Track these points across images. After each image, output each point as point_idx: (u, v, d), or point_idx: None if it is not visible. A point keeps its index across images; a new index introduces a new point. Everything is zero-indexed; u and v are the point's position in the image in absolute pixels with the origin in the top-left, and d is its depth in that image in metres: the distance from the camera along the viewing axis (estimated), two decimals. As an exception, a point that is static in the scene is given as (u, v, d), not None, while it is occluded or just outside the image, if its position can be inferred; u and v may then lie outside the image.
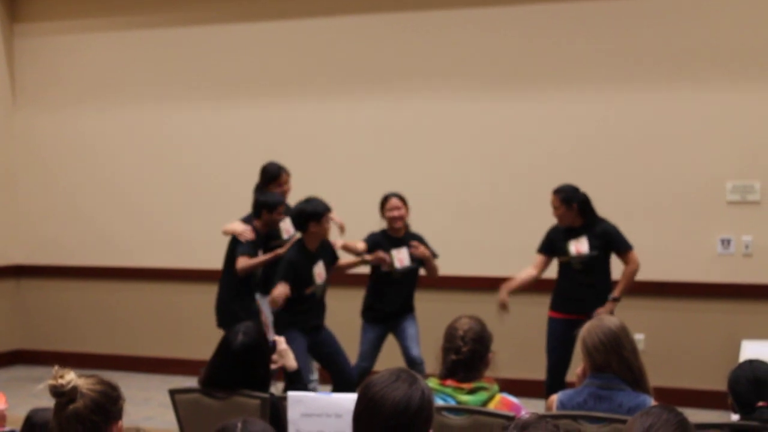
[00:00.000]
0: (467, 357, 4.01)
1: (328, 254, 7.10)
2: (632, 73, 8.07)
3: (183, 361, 9.23)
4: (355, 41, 8.83)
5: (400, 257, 7.26)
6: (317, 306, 7.06)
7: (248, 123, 9.16)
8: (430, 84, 8.59)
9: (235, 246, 7.21)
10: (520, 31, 8.35)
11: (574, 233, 6.96)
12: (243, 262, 7.11)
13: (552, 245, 7.07)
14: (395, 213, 7.26)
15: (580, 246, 6.93)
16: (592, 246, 6.90)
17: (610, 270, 7.02)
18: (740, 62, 7.83)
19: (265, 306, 7.36)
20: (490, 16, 8.43)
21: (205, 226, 8.83)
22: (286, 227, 7.39)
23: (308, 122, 8.96)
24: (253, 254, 7.17)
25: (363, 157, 8.80)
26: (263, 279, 7.38)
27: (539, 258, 7.15)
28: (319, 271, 6.97)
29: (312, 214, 6.84)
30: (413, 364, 7.11)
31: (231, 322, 7.16)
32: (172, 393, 4.45)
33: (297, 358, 4.71)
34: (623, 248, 6.95)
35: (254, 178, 7.79)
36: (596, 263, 6.93)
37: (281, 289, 6.66)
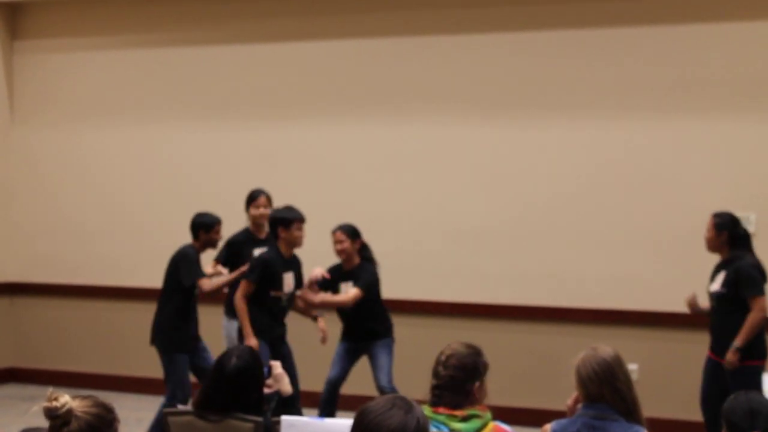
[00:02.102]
0: (446, 382, 3.92)
1: (298, 268, 7.23)
2: (629, 104, 8.10)
3: (176, 382, 9.18)
4: (355, 65, 8.85)
5: (346, 290, 7.31)
6: (282, 314, 7.16)
7: (249, 143, 9.17)
8: (429, 109, 8.61)
9: (180, 268, 7.25)
10: (523, 58, 8.39)
11: (720, 267, 6.68)
12: (207, 283, 7.24)
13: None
14: (337, 247, 7.31)
15: (716, 282, 6.65)
16: (724, 283, 6.59)
17: (746, 312, 6.52)
18: (736, 94, 7.87)
19: (232, 329, 7.38)
20: (493, 42, 8.47)
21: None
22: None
23: (308, 144, 8.97)
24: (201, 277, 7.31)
25: (360, 181, 8.81)
26: (228, 303, 7.44)
27: None
28: (288, 281, 7.07)
29: (280, 220, 6.98)
30: (381, 393, 7.11)
31: (176, 343, 7.20)
32: (166, 415, 4.44)
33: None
34: (746, 293, 6.49)
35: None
36: (726, 303, 6.58)
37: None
